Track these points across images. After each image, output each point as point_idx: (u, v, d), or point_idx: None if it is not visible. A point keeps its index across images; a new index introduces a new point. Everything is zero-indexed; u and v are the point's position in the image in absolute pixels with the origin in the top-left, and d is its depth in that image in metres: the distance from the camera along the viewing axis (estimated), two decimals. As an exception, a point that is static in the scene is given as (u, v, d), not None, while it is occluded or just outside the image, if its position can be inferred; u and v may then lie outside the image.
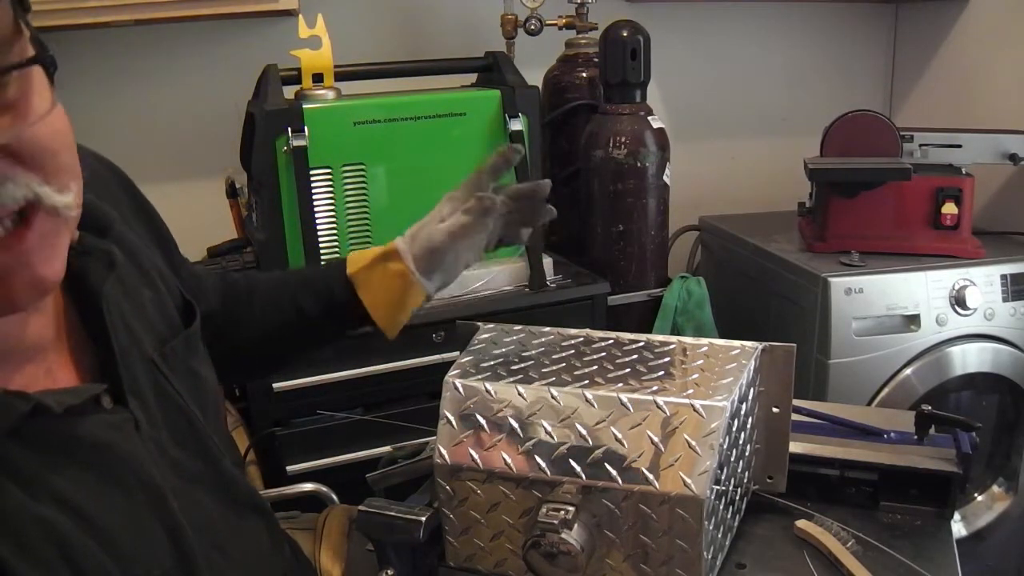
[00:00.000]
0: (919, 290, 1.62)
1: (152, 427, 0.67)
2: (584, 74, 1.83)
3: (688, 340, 0.88)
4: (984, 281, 1.64)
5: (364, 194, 1.47)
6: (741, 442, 0.80)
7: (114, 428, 0.62)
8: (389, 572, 0.78)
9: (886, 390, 1.64)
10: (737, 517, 0.84)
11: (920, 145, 1.74)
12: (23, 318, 0.60)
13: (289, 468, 1.43)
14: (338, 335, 0.99)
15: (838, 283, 1.60)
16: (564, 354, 0.85)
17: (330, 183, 1.44)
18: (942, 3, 2.10)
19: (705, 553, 0.71)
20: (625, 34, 1.65)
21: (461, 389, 0.79)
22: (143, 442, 0.65)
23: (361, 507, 0.78)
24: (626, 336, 0.89)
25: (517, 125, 1.53)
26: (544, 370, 0.81)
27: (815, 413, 0.99)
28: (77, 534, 0.57)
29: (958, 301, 1.62)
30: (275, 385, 1.41)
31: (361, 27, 1.89)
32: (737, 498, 0.83)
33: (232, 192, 1.65)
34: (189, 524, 0.65)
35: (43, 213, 0.54)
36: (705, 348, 0.85)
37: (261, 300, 0.96)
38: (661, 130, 1.68)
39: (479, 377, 0.80)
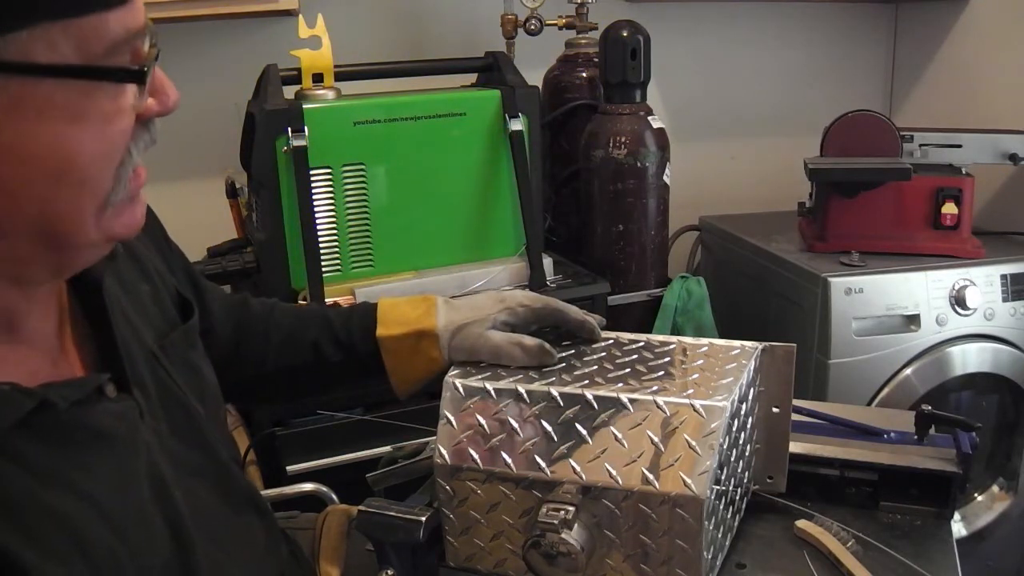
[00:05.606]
0: (919, 290, 1.62)
1: (153, 418, 0.67)
2: (584, 74, 1.83)
3: (688, 340, 0.88)
4: (984, 281, 1.64)
5: (364, 194, 1.47)
6: (741, 442, 0.80)
7: (119, 417, 0.63)
8: (389, 572, 0.78)
9: (886, 390, 1.64)
10: (737, 517, 0.84)
11: (920, 145, 1.74)
12: (29, 305, 0.61)
13: (289, 468, 1.42)
14: (353, 384, 0.99)
15: (838, 283, 1.60)
16: (564, 354, 0.85)
17: (330, 183, 1.44)
18: (942, 3, 2.10)
19: (705, 553, 0.71)
20: (625, 34, 1.65)
21: (461, 389, 0.79)
22: (147, 431, 0.65)
23: (361, 507, 0.78)
24: (626, 336, 0.89)
25: (517, 125, 1.53)
26: (544, 370, 0.81)
27: (815, 413, 0.99)
28: (90, 523, 0.57)
29: (958, 301, 1.62)
30: (275, 385, 1.41)
31: (361, 27, 1.89)
32: (737, 498, 0.82)
33: (232, 192, 1.65)
34: (188, 516, 0.66)
35: None
36: (705, 348, 0.85)
37: (278, 336, 0.95)
38: (661, 130, 1.68)
39: (479, 377, 0.80)
